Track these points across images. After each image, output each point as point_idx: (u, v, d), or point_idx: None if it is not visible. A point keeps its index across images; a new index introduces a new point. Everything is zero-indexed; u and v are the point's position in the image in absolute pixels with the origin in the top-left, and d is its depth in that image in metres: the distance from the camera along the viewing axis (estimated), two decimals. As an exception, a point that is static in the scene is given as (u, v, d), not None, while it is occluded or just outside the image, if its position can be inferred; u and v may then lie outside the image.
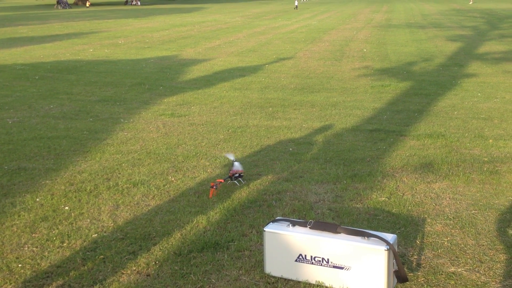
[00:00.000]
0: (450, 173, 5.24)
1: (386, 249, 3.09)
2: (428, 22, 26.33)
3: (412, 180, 5.07)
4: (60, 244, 3.87)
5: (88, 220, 4.28)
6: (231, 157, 5.16)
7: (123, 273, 3.47)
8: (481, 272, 3.42)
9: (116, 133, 6.92)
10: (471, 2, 45.73)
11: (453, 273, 3.41)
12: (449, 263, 3.52)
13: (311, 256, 3.29)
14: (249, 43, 17.94)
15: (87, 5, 48.46)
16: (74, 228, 4.13)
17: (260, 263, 3.53)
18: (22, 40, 19.48)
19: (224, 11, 39.33)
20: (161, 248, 3.78)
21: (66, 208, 4.52)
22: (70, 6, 47.25)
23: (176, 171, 5.43)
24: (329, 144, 6.32)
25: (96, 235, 4.01)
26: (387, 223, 4.13)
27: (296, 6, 41.17)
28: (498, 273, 3.40)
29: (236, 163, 4.97)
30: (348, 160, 5.70)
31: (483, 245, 3.77)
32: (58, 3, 46.09)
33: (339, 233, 3.27)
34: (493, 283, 3.29)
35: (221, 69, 12.54)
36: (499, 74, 11.40)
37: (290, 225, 3.41)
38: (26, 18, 32.56)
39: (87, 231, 4.08)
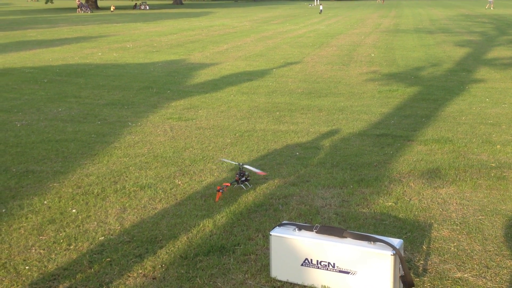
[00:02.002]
0: (457, 179, 5.22)
1: (392, 254, 3.09)
2: (436, 28, 26.28)
3: (419, 185, 5.06)
4: (67, 247, 3.89)
5: (95, 223, 4.30)
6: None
7: (129, 276, 3.48)
8: (488, 278, 3.40)
9: (123, 137, 6.95)
10: (487, 7, 45.53)
11: (459, 278, 3.40)
12: (455, 269, 3.51)
13: (317, 261, 3.29)
14: (257, 48, 17.97)
15: (112, 9, 48.82)
16: (81, 231, 4.15)
17: (266, 267, 3.53)
18: (31, 44, 19.60)
19: (231, 15, 39.42)
20: (168, 251, 3.79)
21: (74, 211, 4.54)
22: (91, 10, 47.56)
23: (183, 174, 5.44)
24: (336, 149, 6.32)
25: (103, 238, 4.03)
26: (393, 228, 4.12)
27: (321, 10, 42.22)
28: (504, 279, 3.38)
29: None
30: (355, 165, 5.70)
31: (490, 251, 3.75)
32: (79, 7, 46.45)
33: (345, 237, 3.27)
34: (500, 289, 3.28)
35: (228, 73, 12.57)
36: (508, 80, 11.36)
37: (296, 229, 3.41)
38: (35, 22, 32.78)
39: (94, 234, 4.10)
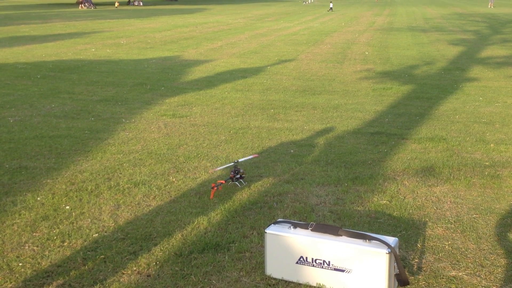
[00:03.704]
0: (451, 177, 5.24)
1: (387, 252, 3.09)
2: (430, 26, 26.33)
3: (413, 184, 5.06)
4: (61, 244, 3.87)
5: (89, 219, 4.28)
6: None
7: (123, 273, 3.46)
8: (482, 276, 3.41)
9: (117, 133, 6.92)
10: (490, 6, 45.80)
11: (454, 277, 3.40)
12: (450, 267, 3.52)
13: (312, 259, 3.29)
14: (251, 45, 17.95)
15: (116, 5, 48.52)
16: (75, 227, 4.13)
17: (261, 264, 3.52)
18: (24, 39, 19.49)
19: (226, 12, 39.35)
20: (162, 248, 3.78)
21: (67, 207, 4.52)
22: (95, 6, 47.16)
23: (177, 171, 5.42)
24: (331, 147, 6.32)
25: (97, 234, 4.01)
26: (388, 226, 4.13)
27: (331, 8, 42.29)
28: (499, 278, 3.39)
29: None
30: (349, 163, 5.70)
31: (484, 249, 3.76)
32: (82, 2, 46.02)
33: (341, 235, 3.27)
34: (494, 287, 3.29)
35: (223, 70, 12.55)
36: (501, 79, 11.40)
37: (292, 227, 3.41)
38: (28, 17, 32.59)
39: (88, 230, 4.07)
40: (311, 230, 3.34)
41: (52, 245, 3.85)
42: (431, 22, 28.89)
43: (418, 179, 5.20)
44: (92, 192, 4.87)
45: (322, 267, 3.27)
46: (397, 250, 3.21)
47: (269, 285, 3.32)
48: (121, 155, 5.99)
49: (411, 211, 4.42)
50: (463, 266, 3.53)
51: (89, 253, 3.73)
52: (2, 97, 9.27)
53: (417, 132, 6.99)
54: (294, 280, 3.35)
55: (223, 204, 4.53)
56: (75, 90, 10.02)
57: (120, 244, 3.85)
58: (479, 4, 49.90)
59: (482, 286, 3.30)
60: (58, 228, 4.12)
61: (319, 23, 28.64)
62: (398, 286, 3.24)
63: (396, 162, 5.72)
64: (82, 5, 45.85)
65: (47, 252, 3.74)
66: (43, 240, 3.92)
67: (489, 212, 4.39)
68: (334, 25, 27.08)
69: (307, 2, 59.95)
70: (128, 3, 53.61)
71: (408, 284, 3.22)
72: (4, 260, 3.64)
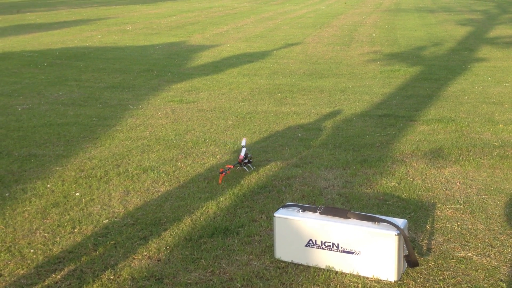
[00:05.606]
0: (460, 158, 5.22)
1: (396, 234, 3.09)
2: (438, 6, 26.07)
3: (422, 165, 5.05)
4: (72, 230, 3.90)
5: (99, 206, 4.30)
6: (243, 142, 5.12)
7: (134, 258, 3.49)
8: (492, 256, 3.41)
9: (125, 120, 6.94)
10: None
11: (463, 257, 3.40)
12: (459, 248, 3.52)
13: (321, 241, 3.30)
14: (257, 29, 17.86)
15: None
16: (85, 214, 4.16)
17: (270, 248, 3.54)
18: (30, 27, 19.49)
19: (231, -4, 39.07)
20: (172, 233, 3.80)
21: (77, 194, 4.55)
22: None
23: (186, 157, 5.44)
24: (338, 130, 6.31)
25: (107, 220, 4.03)
26: (397, 208, 4.12)
27: None
28: (508, 258, 3.39)
29: (243, 149, 4.94)
30: (357, 146, 5.69)
31: (494, 229, 3.76)
32: None
33: (349, 218, 3.27)
34: (504, 267, 3.29)
35: (229, 55, 12.51)
36: (510, 59, 11.30)
37: (300, 210, 3.41)
38: (33, 5, 32.54)
39: (98, 217, 4.10)
40: (320, 213, 3.35)
41: (63, 231, 3.88)
42: (439, 3, 28.60)
43: (426, 160, 5.18)
44: (101, 178, 4.89)
45: (331, 250, 3.28)
46: (406, 232, 3.21)
47: (279, 268, 3.34)
48: (129, 141, 6.01)
49: (420, 192, 4.42)
50: (473, 247, 3.53)
51: (99, 238, 3.76)
52: (10, 86, 9.30)
53: (425, 113, 6.96)
54: (304, 263, 3.36)
55: (232, 189, 4.54)
56: (82, 77, 10.04)
57: (130, 229, 3.88)
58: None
59: (491, 266, 3.30)
60: (68, 214, 4.15)
61: (325, 5, 28.42)
62: (407, 267, 3.25)
63: (404, 144, 5.70)
64: None
65: (58, 239, 3.77)
66: (54, 227, 3.95)
67: (498, 193, 4.38)
68: (340, 7, 26.87)
69: None
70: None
71: (418, 265, 3.23)
72: (16, 247, 3.67)
